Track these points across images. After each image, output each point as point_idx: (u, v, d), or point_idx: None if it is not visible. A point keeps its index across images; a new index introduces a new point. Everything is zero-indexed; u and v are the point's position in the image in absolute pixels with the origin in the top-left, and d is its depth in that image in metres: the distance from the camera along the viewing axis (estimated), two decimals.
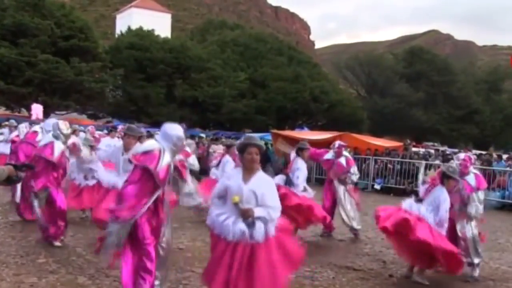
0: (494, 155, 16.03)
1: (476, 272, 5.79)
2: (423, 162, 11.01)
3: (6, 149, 9.98)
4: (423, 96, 43.08)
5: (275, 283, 3.56)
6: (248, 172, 3.69)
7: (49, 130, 6.38)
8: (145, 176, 3.82)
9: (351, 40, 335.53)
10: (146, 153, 3.87)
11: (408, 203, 5.51)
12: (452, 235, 5.64)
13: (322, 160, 8.13)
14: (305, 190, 6.84)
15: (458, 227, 5.72)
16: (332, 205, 7.87)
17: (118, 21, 68.16)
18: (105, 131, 15.90)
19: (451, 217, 5.51)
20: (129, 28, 37.50)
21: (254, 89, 33.57)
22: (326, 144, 9.50)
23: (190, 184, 4.26)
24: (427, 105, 43.39)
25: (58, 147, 6.05)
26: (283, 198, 6.02)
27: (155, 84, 30.80)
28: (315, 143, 10.83)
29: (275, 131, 18.91)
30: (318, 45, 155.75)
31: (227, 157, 8.46)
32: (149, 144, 4.01)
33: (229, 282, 3.50)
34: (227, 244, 3.56)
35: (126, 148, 5.41)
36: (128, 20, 56.76)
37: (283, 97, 32.98)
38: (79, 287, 4.67)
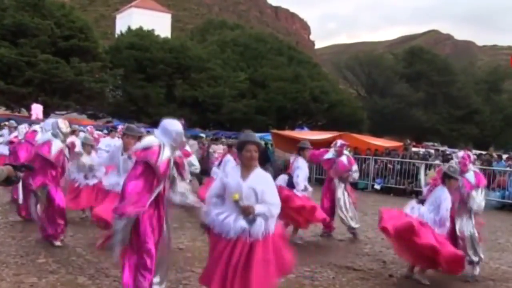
0: (494, 155, 16.04)
1: (477, 271, 5.79)
2: (423, 163, 11.02)
3: (5, 150, 9.98)
4: (423, 96, 43.06)
5: (268, 282, 3.58)
6: (246, 169, 3.70)
7: (48, 130, 6.37)
8: (146, 171, 3.83)
9: (351, 40, 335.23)
10: (146, 148, 3.88)
11: (410, 206, 5.53)
12: (453, 235, 5.65)
13: (322, 160, 8.10)
14: (305, 189, 6.83)
15: (457, 226, 5.72)
16: (332, 205, 7.84)
17: (118, 21, 68.14)
18: (105, 131, 15.92)
19: (452, 216, 5.52)
20: (129, 28, 37.47)
21: (254, 89, 33.55)
22: (326, 144, 9.48)
23: (184, 183, 4.24)
24: (427, 105, 43.37)
25: (56, 145, 6.03)
26: (286, 200, 6.03)
27: (155, 84, 30.79)
28: (315, 143, 10.80)
29: (275, 131, 18.89)
30: (318, 45, 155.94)
31: (229, 156, 8.49)
32: (149, 140, 4.02)
33: (226, 279, 3.51)
34: (227, 242, 3.57)
35: (126, 148, 5.41)
36: (128, 20, 56.71)
37: (283, 97, 32.96)
38: (79, 287, 4.67)
